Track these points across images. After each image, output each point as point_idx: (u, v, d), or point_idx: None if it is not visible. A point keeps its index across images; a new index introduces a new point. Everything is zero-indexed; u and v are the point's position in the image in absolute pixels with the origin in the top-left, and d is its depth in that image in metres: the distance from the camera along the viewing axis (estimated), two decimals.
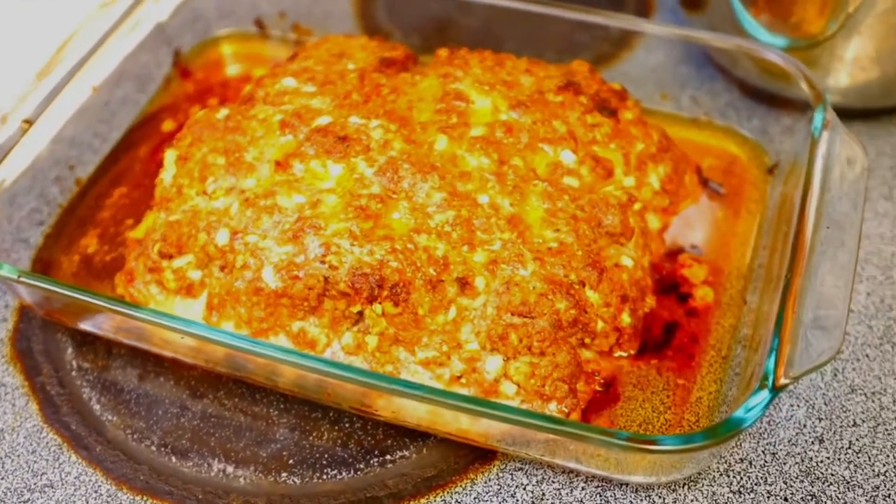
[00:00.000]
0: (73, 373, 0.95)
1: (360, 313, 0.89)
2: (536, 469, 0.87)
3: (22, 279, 0.88)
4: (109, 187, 1.08)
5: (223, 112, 1.00)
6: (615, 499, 0.85)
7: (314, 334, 0.89)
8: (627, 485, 0.86)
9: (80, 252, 1.02)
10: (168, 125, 1.13)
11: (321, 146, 0.94)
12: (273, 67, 1.06)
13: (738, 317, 0.94)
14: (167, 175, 0.98)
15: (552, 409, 0.85)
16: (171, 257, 0.93)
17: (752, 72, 1.10)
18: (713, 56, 1.17)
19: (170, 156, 0.99)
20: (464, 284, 0.87)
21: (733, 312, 0.95)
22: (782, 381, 0.78)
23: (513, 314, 0.86)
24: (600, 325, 0.88)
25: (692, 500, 0.85)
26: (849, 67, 1.06)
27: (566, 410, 0.85)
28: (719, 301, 0.95)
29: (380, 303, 0.86)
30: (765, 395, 0.77)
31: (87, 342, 0.97)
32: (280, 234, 0.89)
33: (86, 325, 0.95)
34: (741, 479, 0.86)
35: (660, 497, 0.85)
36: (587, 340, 0.88)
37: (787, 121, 1.08)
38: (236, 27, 1.23)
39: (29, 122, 0.99)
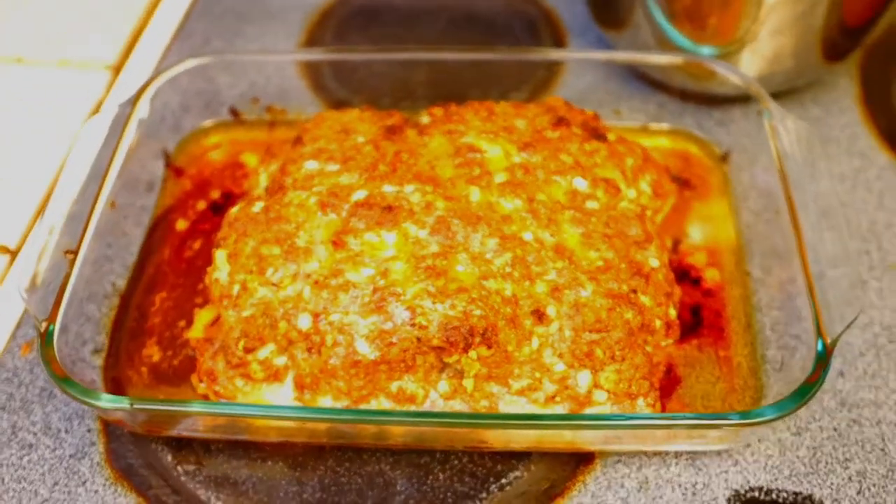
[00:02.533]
0: (182, 477, 0.88)
1: (444, 361, 0.87)
2: (631, 458, 0.88)
3: (136, 406, 0.80)
4: (147, 295, 1.00)
5: (258, 205, 0.95)
6: (704, 465, 0.88)
7: (412, 390, 0.86)
8: (707, 452, 0.88)
9: (145, 363, 0.94)
10: (181, 224, 1.06)
11: (370, 219, 0.91)
12: (290, 153, 1.00)
13: (746, 286, 0.98)
14: (222, 274, 0.92)
15: (640, 404, 0.87)
16: (254, 350, 0.88)
17: (677, 77, 1.14)
18: (637, 69, 1.19)
19: (220, 255, 0.93)
20: (540, 315, 0.86)
21: (738, 284, 0.99)
22: (829, 341, 0.82)
23: (591, 332, 0.86)
24: (658, 322, 0.89)
25: (765, 450, 0.88)
26: (760, 62, 1.11)
27: (652, 403, 0.87)
28: (724, 277, 0.99)
29: (474, 349, 0.84)
30: (823, 358, 0.81)
31: (182, 446, 0.90)
32: (361, 307, 0.86)
33: (182, 431, 0.88)
34: (796, 422, 0.90)
35: (738, 454, 0.88)
36: (648, 338, 0.89)
37: (717, 115, 1.13)
38: (211, 118, 1.15)
39: (73, 252, 0.91)
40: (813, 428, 0.90)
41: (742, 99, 1.08)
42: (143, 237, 1.04)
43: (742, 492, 0.86)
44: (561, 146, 0.98)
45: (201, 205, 1.07)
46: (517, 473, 0.88)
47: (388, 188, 0.93)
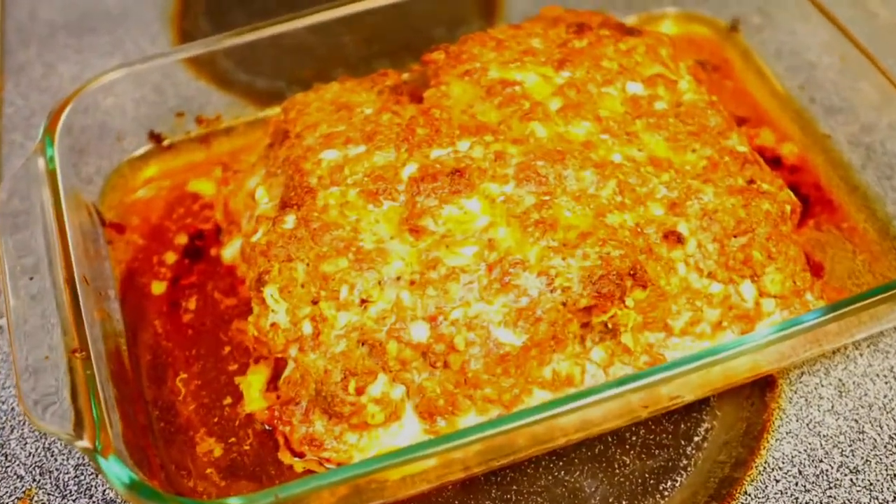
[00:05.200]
0: None
1: (586, 326, 0.88)
2: (813, 367, 0.94)
3: (283, 496, 0.75)
4: (159, 385, 0.93)
5: (290, 220, 0.90)
6: (890, 346, 0.95)
7: (566, 370, 0.87)
8: (884, 333, 0.95)
9: (206, 463, 0.88)
10: (157, 287, 0.99)
11: (442, 191, 0.90)
12: (288, 152, 0.96)
13: (827, 149, 1.06)
14: (279, 316, 0.88)
15: (810, 299, 0.92)
16: (366, 389, 0.85)
17: None
18: None
19: (270, 294, 0.88)
20: (677, 237, 0.89)
21: (819, 149, 1.07)
22: None
23: (737, 236, 0.90)
24: (787, 207, 0.95)
25: None
26: None
27: (819, 294, 0.93)
28: (802, 148, 1.07)
29: (629, 294, 0.86)
30: None
31: None
32: (482, 291, 0.85)
33: None
34: None
35: None
36: (783, 228, 0.94)
37: None
38: (121, 154, 1.08)
39: (80, 349, 0.83)
40: None
41: None
42: (120, 317, 0.96)
43: None
44: (597, 53, 1.01)
45: (171, 257, 1.01)
46: (706, 426, 0.90)
47: (438, 152, 0.93)
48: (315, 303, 0.87)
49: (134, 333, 0.96)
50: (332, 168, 0.93)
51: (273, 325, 0.88)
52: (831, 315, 0.84)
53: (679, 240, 0.89)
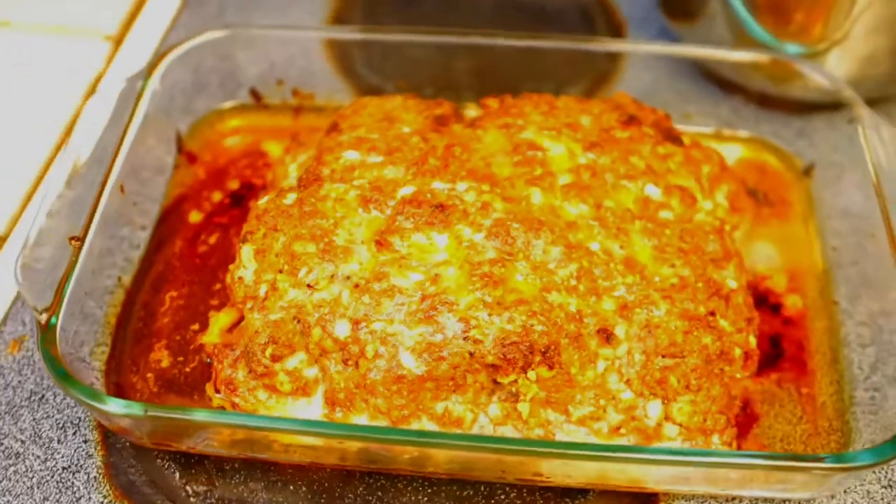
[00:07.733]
0: (191, 499, 0.90)
1: (496, 382, 0.89)
2: (702, 503, 0.90)
3: (150, 413, 0.82)
4: (155, 293, 1.02)
5: (291, 197, 0.97)
6: None
7: (459, 412, 0.89)
8: (786, 501, 0.90)
9: (152, 369, 0.97)
10: (194, 216, 1.08)
11: (419, 218, 0.93)
12: (324, 141, 1.02)
13: (832, 317, 1.01)
14: (247, 272, 0.94)
15: (715, 442, 0.89)
16: (282, 359, 0.90)
17: (754, 78, 1.17)
18: (706, 66, 1.22)
19: (246, 251, 0.95)
20: (607, 336, 0.89)
21: (823, 314, 1.01)
22: None
23: (664, 356, 0.88)
24: (737, 351, 0.92)
25: (852, 503, 0.91)
26: (851, 64, 1.14)
27: (728, 441, 0.89)
28: (807, 305, 1.02)
29: (533, 369, 0.87)
30: None
31: (192, 463, 0.92)
32: (408, 316, 0.88)
33: (194, 445, 0.90)
34: (887, 473, 0.92)
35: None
36: (726, 368, 0.92)
37: (798, 123, 1.16)
38: (228, 100, 1.18)
39: (78, 239, 0.93)
40: None
41: (827, 106, 1.11)
42: (151, 228, 1.06)
43: None
44: (631, 148, 1.01)
45: (217, 196, 1.10)
46: None
47: (438, 185, 0.96)
48: (279, 272, 0.93)
49: (158, 247, 1.06)
50: (346, 167, 0.98)
51: (240, 278, 0.95)
52: (707, 460, 0.82)
53: (608, 339, 0.89)
